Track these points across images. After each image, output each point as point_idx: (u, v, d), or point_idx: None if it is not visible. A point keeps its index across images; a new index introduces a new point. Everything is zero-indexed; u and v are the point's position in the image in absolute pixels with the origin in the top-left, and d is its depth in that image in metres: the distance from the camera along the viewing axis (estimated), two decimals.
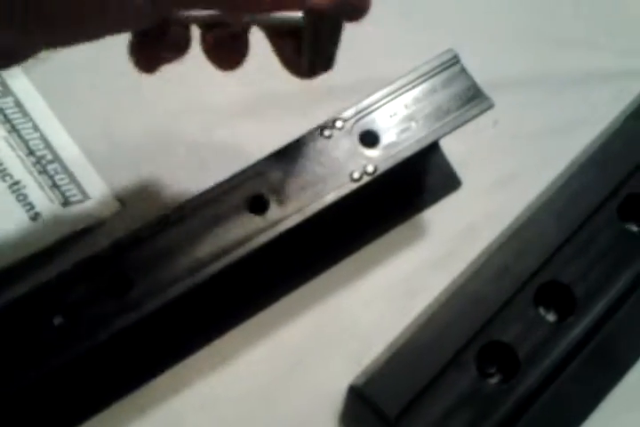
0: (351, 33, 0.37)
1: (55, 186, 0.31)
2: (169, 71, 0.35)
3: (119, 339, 0.26)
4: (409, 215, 0.36)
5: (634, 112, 0.37)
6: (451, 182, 0.37)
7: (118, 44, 0.35)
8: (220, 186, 0.27)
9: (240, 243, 0.26)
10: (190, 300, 0.28)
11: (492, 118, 0.38)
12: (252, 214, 0.27)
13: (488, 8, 0.41)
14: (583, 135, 0.38)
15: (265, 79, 0.36)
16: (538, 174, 0.38)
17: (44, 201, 0.31)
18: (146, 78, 0.35)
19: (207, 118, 0.36)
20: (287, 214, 0.27)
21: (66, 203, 0.31)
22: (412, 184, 0.36)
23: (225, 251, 0.26)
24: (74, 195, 0.32)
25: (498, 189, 0.37)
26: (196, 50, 0.36)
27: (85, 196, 0.32)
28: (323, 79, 0.37)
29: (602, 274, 0.34)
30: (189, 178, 0.34)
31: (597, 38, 0.41)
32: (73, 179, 0.32)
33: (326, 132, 0.28)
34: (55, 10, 0.18)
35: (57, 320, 0.24)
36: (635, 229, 0.36)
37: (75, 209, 0.32)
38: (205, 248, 0.26)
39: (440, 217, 0.36)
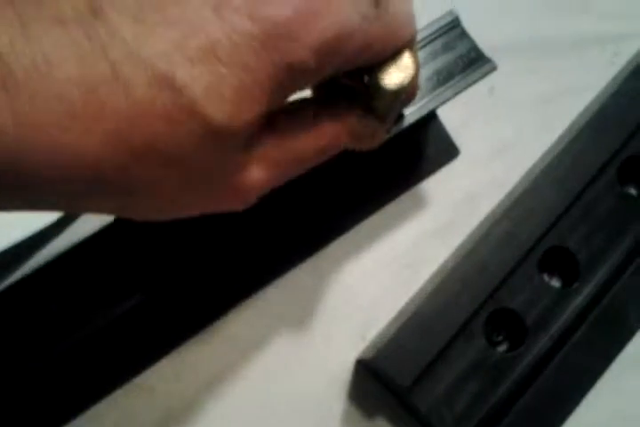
0: None
1: None
2: None
3: (124, 320, 0.25)
4: (408, 186, 0.35)
5: (630, 73, 0.36)
6: (449, 151, 0.36)
7: None
8: None
9: None
10: (193, 276, 0.27)
11: (487, 85, 0.37)
12: None
13: None
14: (580, 100, 0.38)
15: None
16: (536, 141, 0.37)
17: None
18: None
19: None
20: None
21: None
22: (411, 154, 0.35)
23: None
24: None
25: (496, 157, 0.37)
26: None
27: None
28: None
29: (604, 239, 0.34)
30: None
31: (590, 3, 0.40)
32: None
33: None
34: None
35: (52, 307, 0.23)
36: (634, 192, 0.36)
37: None
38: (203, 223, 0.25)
39: (440, 187, 0.36)
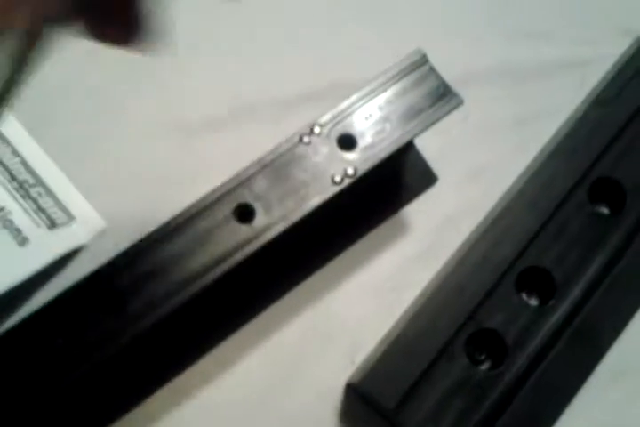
0: (312, 40, 0.38)
1: (40, 209, 0.31)
2: (146, 88, 0.36)
3: (118, 356, 0.26)
4: (389, 213, 0.37)
5: (596, 99, 0.38)
6: (427, 178, 0.38)
7: (95, 67, 0.36)
8: (206, 198, 0.27)
9: (230, 253, 0.27)
10: (186, 312, 0.28)
11: (462, 113, 0.39)
12: (239, 224, 0.27)
13: (446, 5, 0.42)
14: (550, 124, 0.40)
15: (234, 91, 0.37)
16: (510, 165, 0.39)
17: (30, 225, 0.31)
18: (123, 97, 0.35)
19: (183, 133, 0.36)
20: (274, 221, 0.28)
21: (52, 225, 0.31)
22: (390, 183, 0.37)
23: (216, 262, 0.27)
24: (59, 217, 0.32)
25: (472, 182, 0.38)
26: (170, 66, 0.37)
27: (70, 217, 0.32)
28: (292, 88, 0.38)
29: (578, 257, 0.36)
30: (171, 194, 0.34)
31: (555, 29, 0.42)
32: (57, 201, 0.32)
33: (305, 139, 0.29)
34: None
35: (58, 342, 0.25)
36: (605, 211, 0.38)
37: (61, 231, 0.32)
38: (197, 261, 0.26)
39: (419, 213, 0.37)
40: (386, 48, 0.38)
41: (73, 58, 0.35)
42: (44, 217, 0.31)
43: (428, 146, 0.37)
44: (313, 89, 0.37)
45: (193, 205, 0.27)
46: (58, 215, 0.32)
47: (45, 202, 0.32)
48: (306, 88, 0.37)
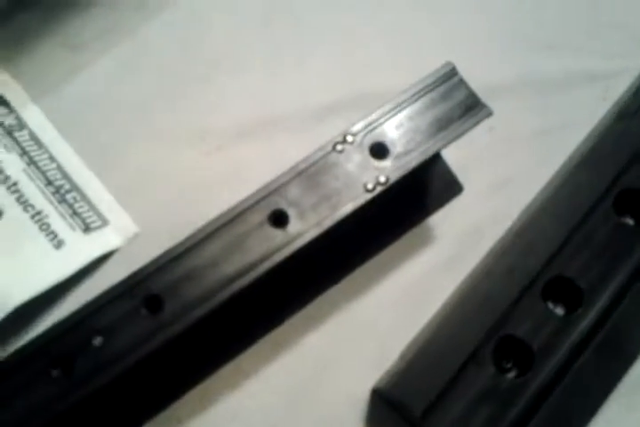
0: (340, 53, 0.39)
1: (75, 213, 0.32)
2: (178, 99, 0.37)
3: (152, 357, 0.26)
4: (416, 222, 0.37)
5: (620, 112, 0.39)
6: (453, 188, 0.38)
7: (129, 79, 0.37)
8: (240, 204, 0.28)
9: (264, 257, 0.27)
10: (218, 316, 0.29)
11: (487, 125, 0.39)
12: (273, 229, 0.28)
13: (472, 18, 0.42)
14: (574, 135, 0.40)
15: (264, 102, 0.38)
16: (534, 176, 0.39)
17: (66, 229, 0.32)
18: (156, 107, 0.36)
19: (214, 142, 0.37)
20: (307, 227, 0.28)
21: (87, 229, 0.32)
22: (418, 192, 0.38)
23: (250, 266, 0.27)
24: (94, 221, 0.33)
25: (497, 192, 0.39)
26: (202, 78, 0.37)
27: (105, 221, 0.33)
28: (318, 99, 0.38)
29: (604, 267, 0.36)
30: (201, 200, 0.35)
31: (581, 42, 0.43)
32: (92, 206, 0.33)
33: (338, 147, 0.29)
34: None
35: (96, 341, 0.25)
36: (630, 222, 0.38)
37: (96, 235, 0.32)
38: (231, 265, 0.27)
39: (445, 222, 0.38)
40: (412, 60, 0.39)
41: (107, 70, 0.37)
42: (79, 221, 0.32)
43: (454, 156, 0.38)
44: (340, 100, 0.38)
45: (228, 211, 0.27)
46: (92, 219, 0.33)
47: (80, 206, 0.33)
48: (333, 99, 0.38)
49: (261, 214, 0.28)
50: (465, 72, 0.32)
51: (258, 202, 0.28)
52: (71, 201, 0.33)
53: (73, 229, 0.32)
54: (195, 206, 0.35)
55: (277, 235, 0.28)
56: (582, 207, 0.37)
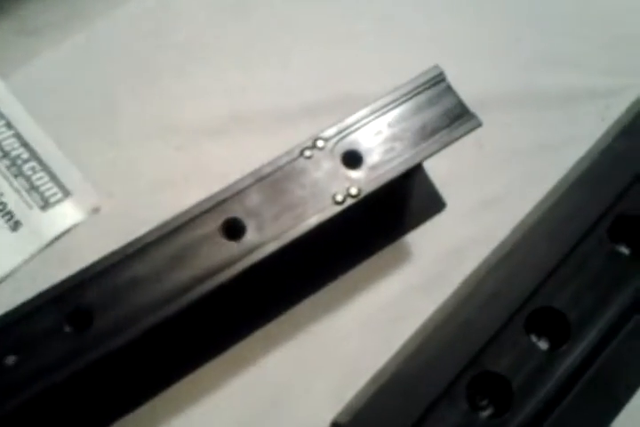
0: (321, 53, 0.36)
1: (33, 188, 0.30)
2: (145, 91, 0.34)
3: (80, 378, 0.23)
4: (392, 238, 0.34)
5: (621, 131, 0.36)
6: (435, 204, 0.35)
7: (91, 66, 0.34)
8: (191, 210, 0.25)
9: (213, 272, 0.24)
10: (163, 332, 0.26)
11: (476, 137, 0.37)
12: (226, 240, 0.25)
13: (472, 25, 0.40)
14: (570, 154, 0.37)
15: (236, 99, 0.35)
16: (524, 195, 0.36)
17: (22, 208, 0.29)
18: (120, 96, 0.34)
19: (179, 137, 0.34)
20: (265, 240, 0.25)
21: (45, 205, 0.30)
22: (395, 206, 0.35)
23: (197, 281, 0.24)
24: (54, 194, 0.30)
25: (484, 210, 0.36)
26: (168, 71, 0.35)
27: (66, 193, 0.30)
28: (296, 98, 0.36)
29: (595, 299, 0.33)
30: (161, 194, 0.32)
31: (582, 57, 0.40)
32: (52, 175, 0.30)
33: (307, 153, 0.26)
34: None
35: (10, 360, 0.22)
36: (625, 250, 0.35)
37: (55, 211, 0.30)
38: (175, 278, 0.24)
39: (424, 240, 0.35)
40: (400, 65, 0.36)
41: (67, 55, 0.34)
42: (37, 197, 0.30)
43: (438, 170, 0.35)
44: (320, 101, 0.35)
45: (176, 218, 0.24)
46: (52, 192, 0.30)
47: (39, 178, 0.30)
48: (313, 100, 0.35)
49: (214, 223, 0.25)
50: (455, 81, 0.29)
51: (211, 209, 0.25)
52: (29, 173, 0.30)
53: (30, 207, 0.29)
54: (157, 201, 0.32)
55: (231, 247, 0.25)
56: (575, 232, 0.34)
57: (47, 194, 0.30)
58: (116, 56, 0.35)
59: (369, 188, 0.27)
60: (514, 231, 0.35)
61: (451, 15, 0.39)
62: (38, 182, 0.30)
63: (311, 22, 0.37)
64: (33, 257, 0.29)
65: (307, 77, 0.36)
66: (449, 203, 0.35)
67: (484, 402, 0.31)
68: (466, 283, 0.34)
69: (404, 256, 0.34)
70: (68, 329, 0.23)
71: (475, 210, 0.36)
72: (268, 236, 0.25)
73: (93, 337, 0.23)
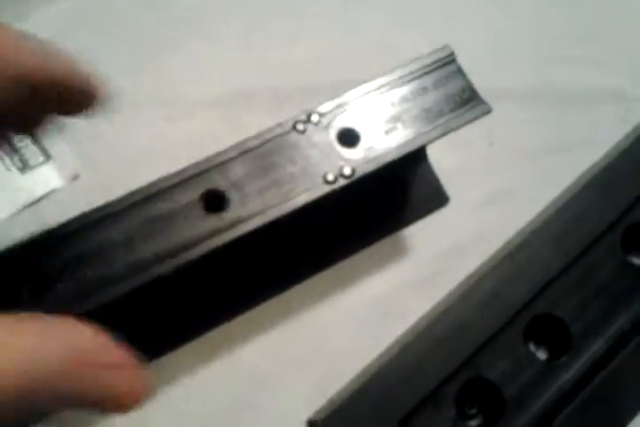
0: (327, 33, 0.35)
1: (14, 151, 0.28)
2: (138, 62, 0.33)
3: None
4: (390, 230, 0.32)
5: None
6: (437, 199, 0.33)
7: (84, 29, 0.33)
8: (171, 178, 0.23)
9: (189, 245, 0.23)
10: (134, 308, 0.24)
11: (486, 131, 0.35)
12: (206, 212, 0.23)
13: (490, 11, 0.38)
14: (585, 155, 0.35)
15: (235, 75, 0.34)
16: (533, 194, 0.34)
17: (1, 170, 0.28)
18: (115, 62, 0.32)
19: (173, 110, 0.32)
20: (248, 215, 0.23)
21: (24, 167, 0.28)
22: (395, 197, 0.33)
23: (170, 253, 0.22)
24: (33, 157, 0.29)
25: (489, 208, 0.34)
26: (170, 40, 0.34)
27: (47, 157, 0.29)
28: (298, 79, 0.34)
29: (601, 310, 0.31)
30: (146, 167, 0.30)
31: (608, 58, 0.38)
32: (35, 138, 0.29)
33: (300, 126, 0.25)
34: None
35: None
36: (637, 261, 0.33)
37: (34, 174, 0.28)
38: (147, 248, 0.22)
39: (424, 235, 0.33)
40: (408, 49, 0.34)
41: (61, 14, 0.33)
42: (16, 159, 0.28)
43: (444, 163, 0.33)
44: (319, 83, 0.33)
45: (152, 184, 0.23)
46: (32, 155, 0.28)
47: (20, 139, 0.28)
48: (316, 81, 0.33)
49: (193, 193, 0.23)
50: (467, 69, 0.27)
51: (191, 177, 0.23)
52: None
53: (8, 169, 0.28)
54: (139, 173, 0.30)
55: (210, 219, 0.23)
56: (586, 237, 0.32)
57: (27, 156, 0.29)
58: (109, 27, 0.33)
59: (364, 169, 0.25)
60: (519, 232, 0.33)
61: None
62: (20, 144, 0.29)
63: (317, 2, 0.35)
64: (7, 221, 0.28)
65: (311, 58, 0.34)
66: (453, 199, 0.33)
67: (473, 410, 0.29)
68: (464, 283, 0.32)
69: (401, 251, 0.33)
70: (24, 293, 0.21)
71: (479, 208, 0.34)
72: (251, 211, 0.23)
73: (49, 306, 0.21)
